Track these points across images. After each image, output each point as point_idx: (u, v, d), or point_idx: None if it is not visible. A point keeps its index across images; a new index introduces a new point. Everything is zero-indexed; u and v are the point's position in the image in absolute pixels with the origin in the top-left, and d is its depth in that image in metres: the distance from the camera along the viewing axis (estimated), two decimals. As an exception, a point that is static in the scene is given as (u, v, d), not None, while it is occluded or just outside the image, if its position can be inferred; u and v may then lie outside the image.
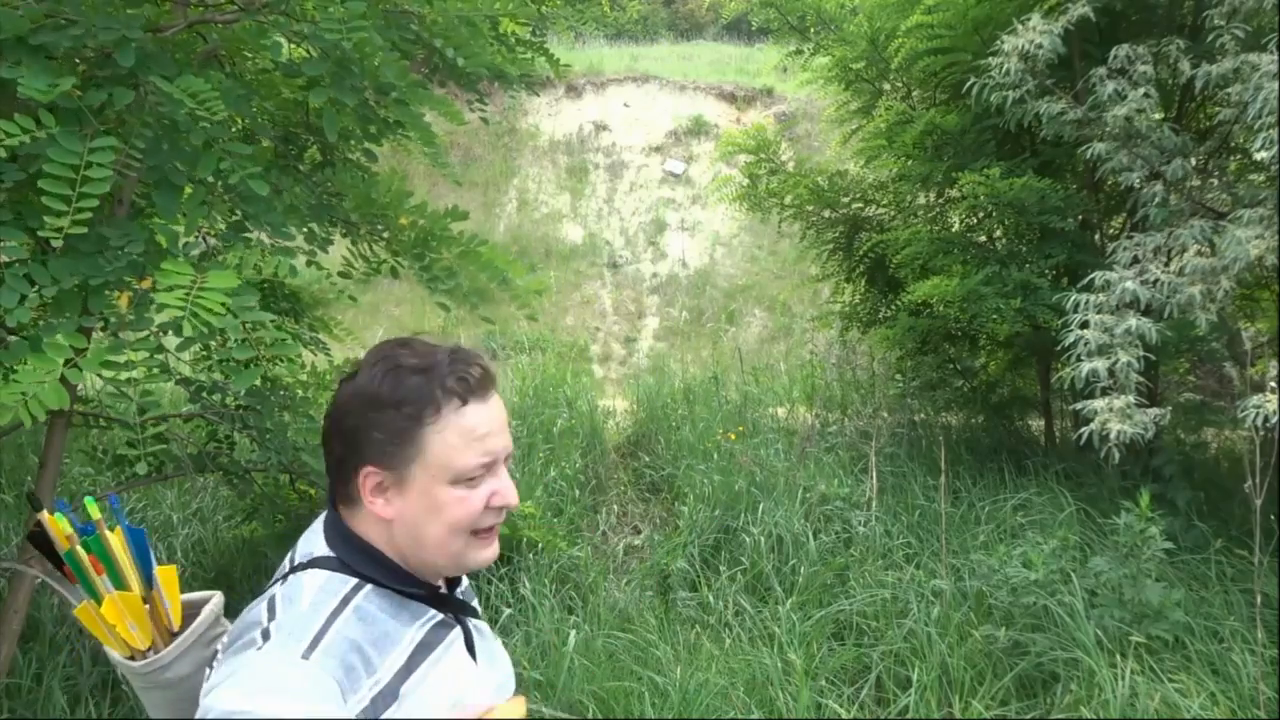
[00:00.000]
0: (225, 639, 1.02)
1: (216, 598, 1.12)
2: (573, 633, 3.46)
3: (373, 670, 0.99)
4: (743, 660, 3.28)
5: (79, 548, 1.07)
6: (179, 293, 1.62)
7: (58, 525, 1.07)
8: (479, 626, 1.18)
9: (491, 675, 1.15)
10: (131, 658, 1.08)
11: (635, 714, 3.03)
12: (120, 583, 1.09)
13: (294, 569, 1.06)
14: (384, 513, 1.06)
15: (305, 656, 0.95)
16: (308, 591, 1.02)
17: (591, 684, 3.18)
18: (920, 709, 3.03)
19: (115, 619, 1.06)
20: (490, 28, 2.54)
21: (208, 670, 1.03)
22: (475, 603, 1.24)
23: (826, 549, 4.13)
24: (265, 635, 0.97)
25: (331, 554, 1.07)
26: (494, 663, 1.17)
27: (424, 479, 1.05)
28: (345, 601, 1.02)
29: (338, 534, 1.09)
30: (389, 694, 1.00)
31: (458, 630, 1.12)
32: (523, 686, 3.26)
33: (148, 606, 1.09)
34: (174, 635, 1.10)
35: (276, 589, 1.04)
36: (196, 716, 0.93)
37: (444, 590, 1.15)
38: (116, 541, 1.09)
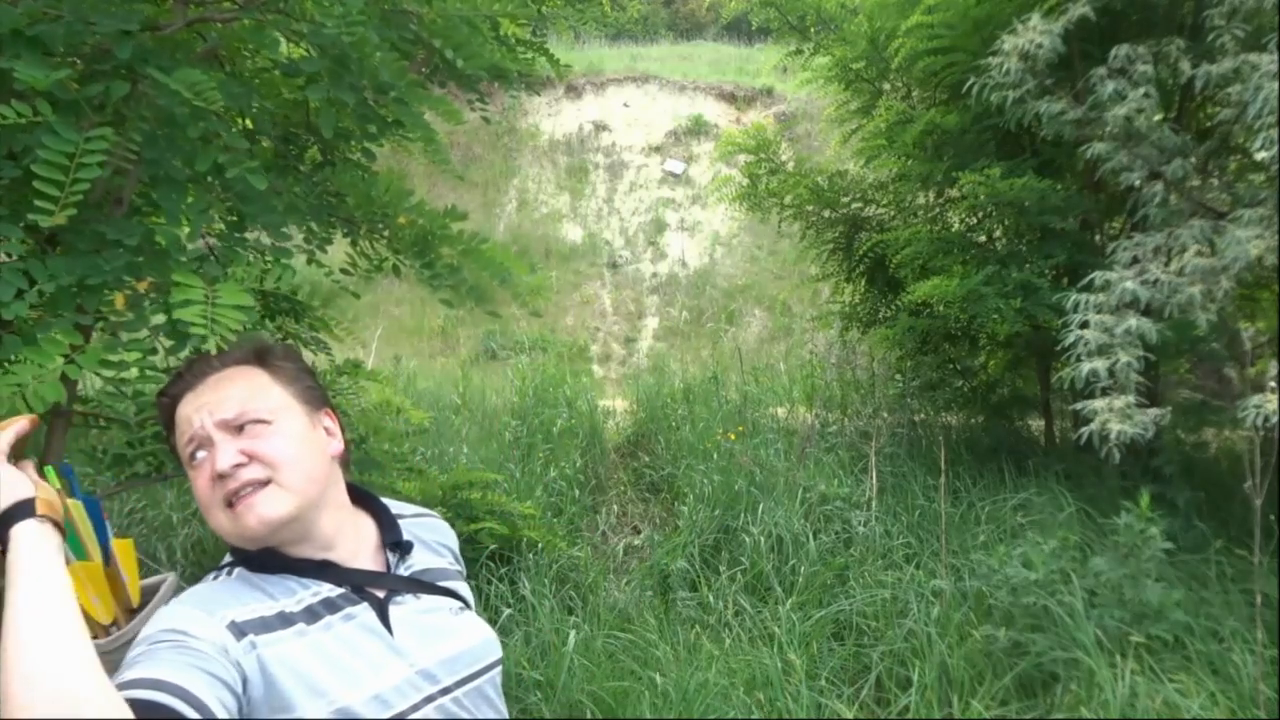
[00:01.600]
0: None
1: (171, 577, 1.14)
2: (572, 633, 3.46)
3: (227, 606, 1.04)
4: (743, 660, 3.28)
5: (68, 502, 1.05)
6: (197, 309, 1.62)
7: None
8: (407, 600, 1.15)
9: (417, 652, 1.10)
10: (95, 636, 1.04)
11: (635, 714, 3.03)
12: (82, 553, 1.06)
13: None
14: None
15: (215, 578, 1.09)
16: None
17: (591, 684, 3.18)
18: (920, 709, 3.03)
19: (78, 589, 1.01)
20: (490, 29, 2.53)
21: None
22: (453, 584, 1.23)
23: (826, 549, 4.13)
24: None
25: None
26: (427, 638, 1.13)
27: (183, 456, 1.12)
28: (212, 578, 1.11)
29: None
30: (237, 629, 1.02)
31: (363, 606, 1.11)
32: (523, 686, 3.26)
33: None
34: (133, 612, 1.08)
35: None
36: None
37: (329, 561, 1.14)
38: (76, 511, 1.06)
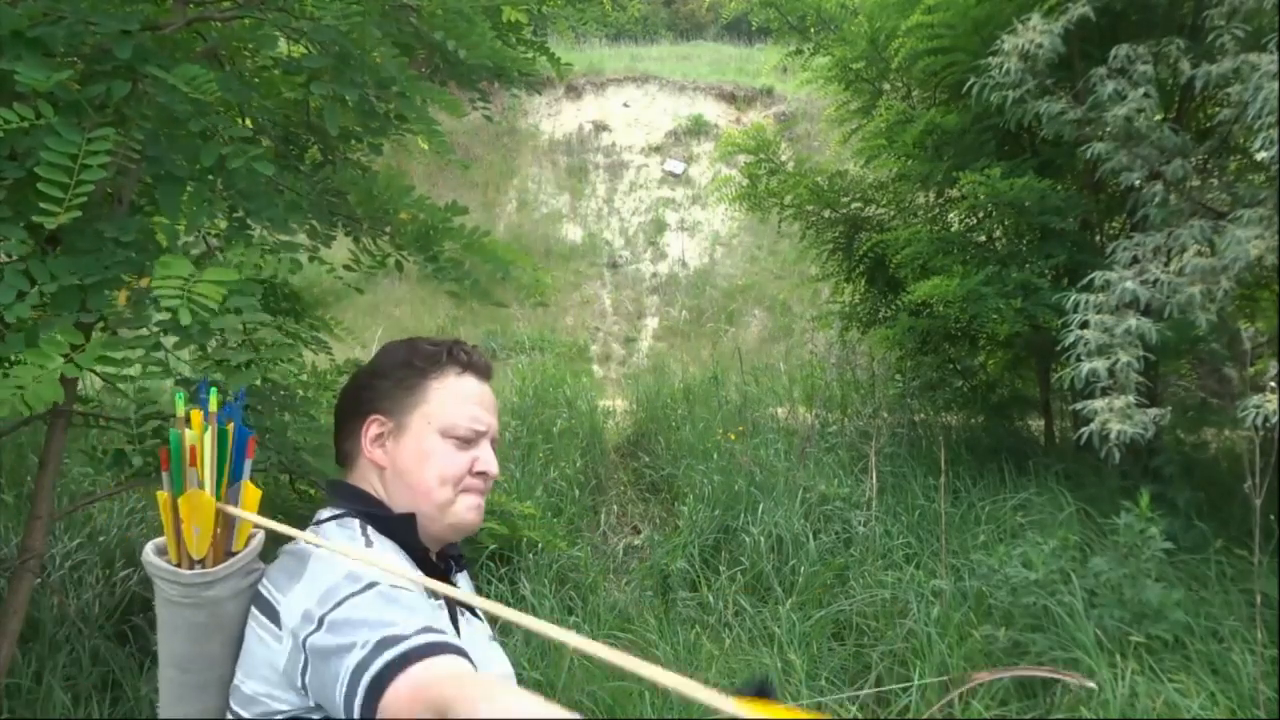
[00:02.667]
0: (269, 587, 1.06)
1: (261, 534, 1.13)
2: (573, 633, 3.45)
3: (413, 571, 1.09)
4: (743, 660, 3.28)
5: (184, 430, 1.03)
6: (175, 283, 1.62)
7: (179, 406, 1.04)
8: (468, 617, 1.20)
9: (481, 666, 1.15)
10: (179, 566, 1.05)
11: (635, 714, 3.03)
12: (203, 482, 1.05)
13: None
14: (381, 460, 1.18)
15: (369, 546, 1.10)
16: (329, 530, 1.13)
17: (591, 684, 3.18)
18: (920, 709, 3.03)
19: (185, 516, 1.03)
20: (490, 23, 2.53)
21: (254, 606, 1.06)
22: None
23: (826, 549, 4.13)
24: (310, 557, 1.05)
25: (335, 511, 1.16)
26: (477, 654, 1.17)
27: (420, 426, 1.18)
28: (365, 529, 1.13)
29: (337, 492, 1.19)
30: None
31: (442, 605, 1.14)
32: (523, 687, 3.26)
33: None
34: (228, 556, 1.07)
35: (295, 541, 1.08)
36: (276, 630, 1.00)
37: (436, 561, 1.20)
38: (209, 437, 1.04)
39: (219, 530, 1.05)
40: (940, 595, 3.52)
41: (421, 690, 0.86)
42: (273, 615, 1.03)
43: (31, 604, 2.73)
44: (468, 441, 1.19)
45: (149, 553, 1.07)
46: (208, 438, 1.04)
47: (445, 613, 1.13)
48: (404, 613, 0.96)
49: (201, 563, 1.05)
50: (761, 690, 1.25)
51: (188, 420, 1.04)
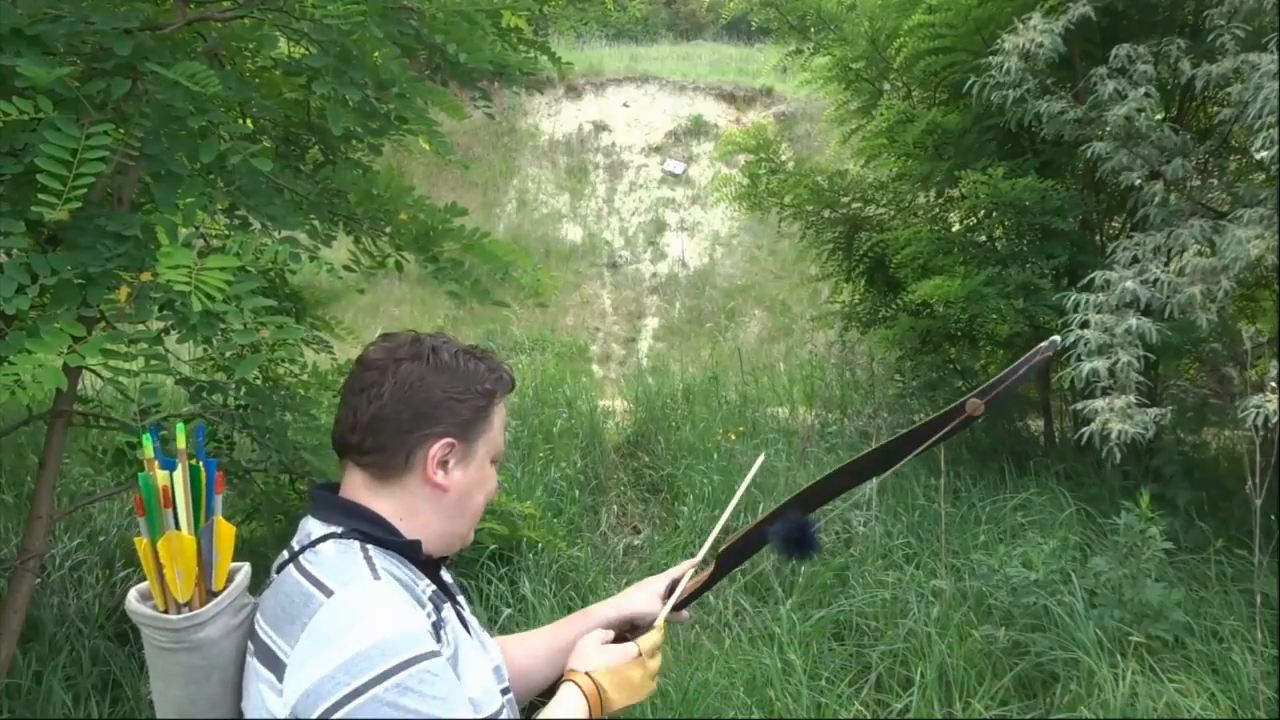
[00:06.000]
0: (266, 629, 1.02)
1: (246, 567, 1.10)
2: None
3: (422, 604, 1.05)
4: (743, 660, 3.27)
5: (156, 472, 1.01)
6: (183, 271, 1.63)
7: (146, 448, 1.02)
8: (466, 615, 1.19)
9: (485, 656, 1.16)
10: (165, 611, 1.02)
11: (635, 714, 3.03)
12: (179, 523, 1.03)
13: (293, 555, 1.07)
14: (443, 483, 1.11)
15: (376, 579, 1.02)
16: (326, 553, 1.05)
17: (591, 684, 3.18)
18: (920, 709, 3.03)
19: (167, 560, 1.00)
20: (491, 24, 2.54)
21: (251, 648, 1.03)
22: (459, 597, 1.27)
23: (826, 549, 4.12)
24: (324, 591, 1.00)
25: (331, 529, 1.08)
26: (486, 647, 1.19)
27: (483, 453, 1.14)
28: (365, 550, 1.06)
29: (335, 507, 1.10)
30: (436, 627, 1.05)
31: (449, 606, 1.13)
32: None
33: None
34: (211, 595, 1.04)
35: (289, 569, 1.05)
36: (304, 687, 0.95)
37: (431, 558, 1.17)
38: (180, 477, 1.03)
39: (199, 570, 1.03)
40: (940, 595, 3.51)
41: None
42: (274, 665, 0.99)
43: (31, 604, 2.72)
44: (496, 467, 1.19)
45: (133, 601, 1.03)
46: (178, 477, 1.02)
47: (456, 620, 1.12)
48: (440, 706, 0.95)
49: (188, 605, 1.02)
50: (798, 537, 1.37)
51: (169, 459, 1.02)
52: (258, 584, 1.10)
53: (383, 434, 1.08)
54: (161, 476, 1.01)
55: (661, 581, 1.37)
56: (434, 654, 0.99)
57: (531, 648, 1.33)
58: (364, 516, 1.09)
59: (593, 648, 1.21)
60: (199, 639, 1.01)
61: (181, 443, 1.03)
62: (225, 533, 1.05)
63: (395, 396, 1.08)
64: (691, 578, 1.36)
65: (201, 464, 1.05)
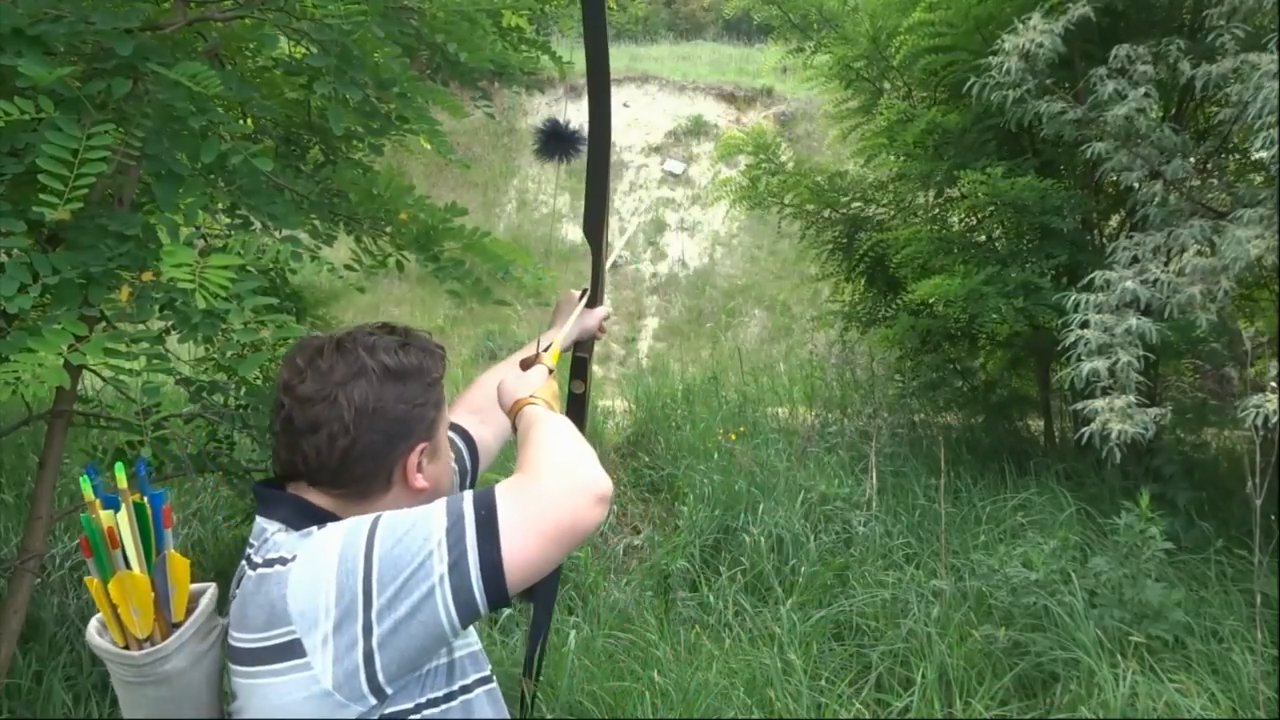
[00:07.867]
0: (249, 636, 0.98)
1: (212, 589, 1.08)
2: (573, 633, 3.45)
3: None
4: (743, 660, 3.27)
5: (99, 514, 1.00)
6: (186, 269, 1.63)
7: (85, 490, 1.01)
8: None
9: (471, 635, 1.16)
10: (126, 647, 1.01)
11: (635, 714, 3.03)
12: (127, 563, 1.02)
13: (248, 560, 1.03)
14: (423, 485, 1.09)
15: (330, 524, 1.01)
16: (277, 539, 1.02)
17: (591, 684, 3.18)
18: (920, 709, 3.03)
19: (119, 599, 0.99)
20: (492, 24, 2.54)
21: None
22: None
23: (826, 549, 4.12)
24: (284, 563, 0.97)
25: (305, 531, 1.03)
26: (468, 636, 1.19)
27: (440, 437, 1.13)
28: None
29: (305, 516, 1.04)
30: None
31: None
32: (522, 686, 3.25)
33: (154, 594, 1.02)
34: (173, 627, 1.03)
35: (246, 575, 1.02)
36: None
37: None
38: (124, 516, 1.02)
39: (155, 608, 1.01)
40: (940, 595, 3.52)
41: (525, 529, 0.94)
42: (282, 654, 0.94)
43: (31, 604, 2.73)
44: None
45: (93, 634, 1.01)
46: (122, 516, 1.01)
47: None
48: (421, 515, 0.95)
49: (149, 640, 1.01)
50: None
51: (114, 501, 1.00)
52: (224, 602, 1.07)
53: (359, 467, 1.04)
54: (106, 516, 1.00)
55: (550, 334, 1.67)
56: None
57: (484, 416, 1.48)
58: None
59: (518, 381, 1.27)
60: (165, 671, 1.00)
61: (122, 482, 1.01)
62: (179, 565, 1.03)
63: (360, 427, 1.03)
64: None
65: (147, 500, 1.03)
